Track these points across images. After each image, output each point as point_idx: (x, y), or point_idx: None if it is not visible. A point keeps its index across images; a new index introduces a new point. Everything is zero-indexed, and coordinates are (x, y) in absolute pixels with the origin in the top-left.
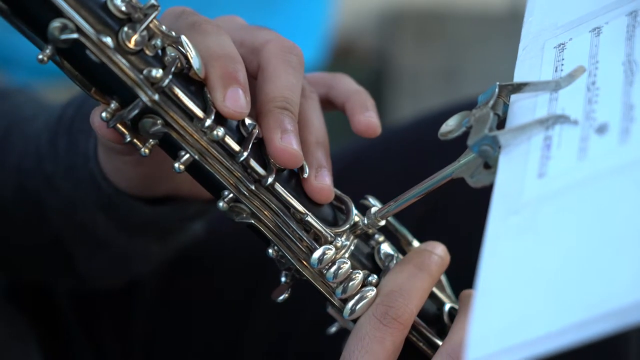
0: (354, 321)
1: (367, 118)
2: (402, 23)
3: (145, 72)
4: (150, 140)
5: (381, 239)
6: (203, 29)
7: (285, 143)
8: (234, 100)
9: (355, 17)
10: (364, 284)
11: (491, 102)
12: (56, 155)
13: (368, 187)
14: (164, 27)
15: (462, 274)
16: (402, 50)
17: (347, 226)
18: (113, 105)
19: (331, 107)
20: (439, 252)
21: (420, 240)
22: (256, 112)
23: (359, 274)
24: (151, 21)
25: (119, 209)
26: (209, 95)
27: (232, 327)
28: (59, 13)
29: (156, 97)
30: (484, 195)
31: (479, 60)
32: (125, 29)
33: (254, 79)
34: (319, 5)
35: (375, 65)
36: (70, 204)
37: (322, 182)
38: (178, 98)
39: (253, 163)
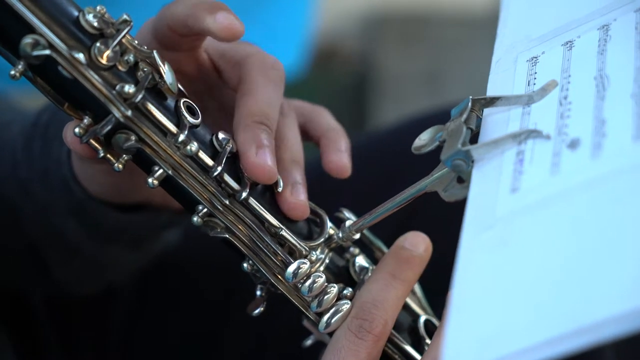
0: (330, 334)
1: (339, 159)
2: (385, 26)
3: (117, 87)
4: (124, 155)
5: (356, 251)
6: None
7: (260, 159)
8: (226, 18)
9: (338, 20)
10: (339, 297)
11: (464, 116)
12: (31, 160)
13: (344, 194)
14: (136, 42)
15: (441, 280)
16: (385, 54)
17: (322, 240)
18: (86, 120)
19: (306, 138)
20: (419, 248)
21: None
22: (234, 125)
23: (334, 287)
24: (124, 36)
25: (91, 215)
26: (183, 113)
27: (210, 329)
28: (30, 29)
29: (129, 113)
30: (461, 202)
31: (462, 63)
32: (98, 44)
33: (235, 92)
34: (300, 9)
35: (358, 68)
36: (43, 209)
37: (297, 198)
38: (151, 113)
39: (227, 178)
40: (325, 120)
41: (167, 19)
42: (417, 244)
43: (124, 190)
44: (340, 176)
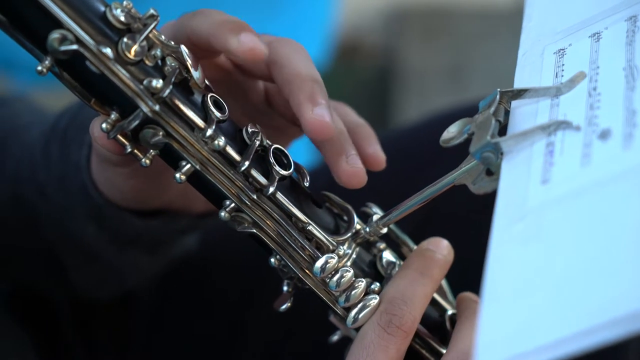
0: (357, 329)
1: (374, 151)
2: (408, 20)
3: (145, 82)
4: (151, 150)
5: (382, 246)
6: (202, 12)
7: (317, 114)
8: (250, 39)
9: (361, 15)
10: (367, 292)
11: (492, 109)
12: (49, 164)
13: (368, 190)
14: (163, 37)
15: (462, 278)
16: (409, 48)
17: (349, 234)
18: (113, 116)
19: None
20: (442, 251)
21: None
22: (282, 92)
23: (362, 282)
24: (150, 31)
25: (110, 220)
26: (210, 106)
27: (231, 330)
28: (58, 24)
29: (157, 107)
30: (483, 199)
31: (486, 57)
32: (125, 39)
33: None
34: (323, 4)
35: (381, 63)
36: (61, 213)
37: (354, 166)
38: (179, 108)
39: (254, 172)
40: (351, 115)
41: (189, 32)
42: (440, 247)
43: (145, 195)
44: (377, 168)
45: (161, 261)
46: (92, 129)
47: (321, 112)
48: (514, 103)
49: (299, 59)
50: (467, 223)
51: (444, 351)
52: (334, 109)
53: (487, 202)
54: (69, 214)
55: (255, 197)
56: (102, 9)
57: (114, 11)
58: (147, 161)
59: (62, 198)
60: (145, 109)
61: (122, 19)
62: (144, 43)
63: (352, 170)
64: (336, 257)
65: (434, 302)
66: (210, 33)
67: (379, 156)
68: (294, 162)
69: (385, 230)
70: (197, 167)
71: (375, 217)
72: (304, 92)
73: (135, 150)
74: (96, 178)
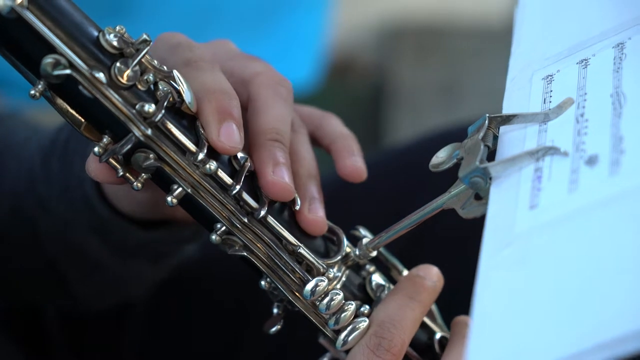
0: (346, 352)
1: (353, 163)
2: (401, 38)
3: (137, 107)
4: (143, 174)
5: (372, 269)
6: (198, 65)
7: (277, 177)
8: (228, 135)
9: (354, 33)
10: (356, 314)
11: (481, 133)
12: (49, 177)
13: (358, 211)
14: (155, 61)
15: (451, 301)
16: (402, 66)
17: (339, 257)
18: (105, 139)
19: (315, 144)
20: (432, 277)
21: (409, 268)
22: (248, 144)
23: (352, 305)
24: (143, 56)
25: (113, 232)
26: (202, 130)
27: (226, 341)
28: (51, 49)
29: (149, 131)
30: (471, 223)
31: (479, 74)
32: (118, 64)
33: (245, 111)
34: (316, 22)
35: (374, 80)
36: (63, 225)
37: (315, 214)
38: (171, 132)
39: (245, 196)
40: (335, 126)
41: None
42: (430, 274)
43: (157, 205)
44: (356, 180)
45: (163, 270)
46: (88, 165)
47: (281, 174)
48: (503, 128)
49: (274, 105)
50: (459, 244)
51: None
52: (322, 118)
53: (478, 223)
54: (70, 226)
55: (246, 220)
56: (96, 33)
57: (107, 36)
58: (139, 184)
59: (65, 210)
60: (137, 133)
61: (115, 43)
62: (137, 68)
63: (312, 219)
64: (326, 280)
65: (423, 324)
66: (197, 95)
67: (358, 168)
68: None
69: (374, 253)
70: (189, 190)
71: (364, 241)
72: (267, 150)
73: (128, 174)
74: (107, 190)
